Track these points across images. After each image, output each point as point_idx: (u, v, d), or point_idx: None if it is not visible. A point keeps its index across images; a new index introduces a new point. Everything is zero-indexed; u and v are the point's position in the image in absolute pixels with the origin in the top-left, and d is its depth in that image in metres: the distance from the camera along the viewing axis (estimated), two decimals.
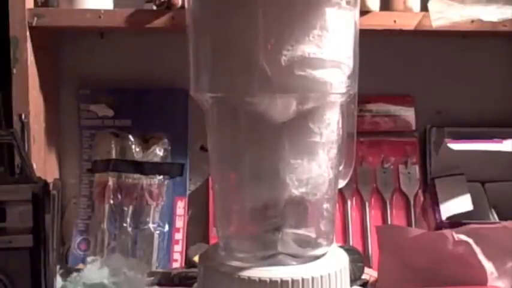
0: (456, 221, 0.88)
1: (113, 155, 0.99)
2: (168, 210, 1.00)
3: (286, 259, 0.54)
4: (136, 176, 0.98)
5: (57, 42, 1.02)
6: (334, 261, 0.55)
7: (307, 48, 0.50)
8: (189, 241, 1.00)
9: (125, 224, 0.97)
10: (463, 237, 0.74)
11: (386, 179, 1.04)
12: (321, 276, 0.52)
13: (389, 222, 1.02)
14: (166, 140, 1.01)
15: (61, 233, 0.99)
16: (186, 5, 0.56)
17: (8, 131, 0.69)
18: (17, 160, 0.85)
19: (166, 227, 0.99)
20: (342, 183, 0.59)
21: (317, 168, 0.54)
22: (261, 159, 0.54)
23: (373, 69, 0.95)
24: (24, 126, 0.88)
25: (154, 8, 0.91)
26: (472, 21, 0.93)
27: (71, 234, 0.99)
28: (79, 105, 1.02)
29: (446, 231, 0.75)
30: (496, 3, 0.93)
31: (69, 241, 0.98)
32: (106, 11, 0.90)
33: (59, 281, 0.85)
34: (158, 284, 0.86)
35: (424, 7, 0.94)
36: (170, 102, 1.02)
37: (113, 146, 0.99)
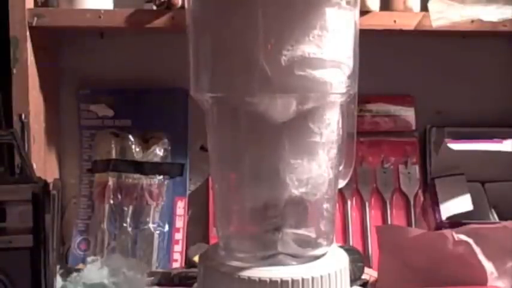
0: (456, 221, 0.88)
1: (113, 155, 0.99)
2: (168, 210, 1.00)
3: (286, 259, 0.54)
4: (136, 176, 0.98)
5: (57, 42, 1.02)
6: (334, 261, 0.55)
7: (307, 48, 0.50)
8: (189, 241, 1.00)
9: (124, 224, 0.97)
10: (463, 237, 0.74)
11: (387, 179, 1.04)
12: (321, 276, 0.52)
13: (389, 222, 1.02)
14: (166, 140, 1.01)
15: (61, 233, 0.99)
16: (186, 5, 0.56)
17: (8, 131, 0.69)
18: (17, 160, 0.85)
19: (166, 227, 0.99)
20: (342, 183, 0.59)
21: (317, 168, 0.54)
22: (261, 159, 0.54)
23: (373, 69, 0.94)
24: (24, 126, 0.88)
25: (154, 8, 0.91)
26: (472, 21, 0.93)
27: (71, 234, 0.99)
28: (79, 105, 1.02)
29: (446, 231, 0.75)
30: (496, 3, 0.93)
31: (69, 241, 0.99)
32: (106, 11, 0.90)
33: (59, 281, 0.85)
34: (158, 284, 0.86)
35: (424, 7, 0.94)
36: (170, 102, 1.02)
37: (113, 146, 0.99)
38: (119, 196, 0.98)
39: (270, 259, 0.54)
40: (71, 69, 1.03)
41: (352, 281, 0.63)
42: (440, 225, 0.92)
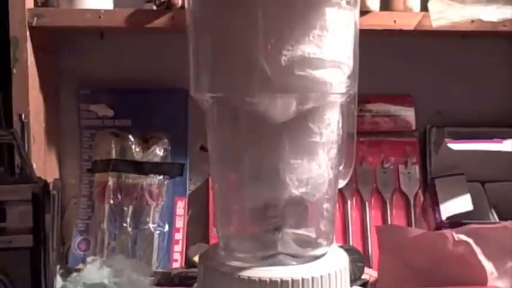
0: (456, 221, 0.88)
1: (113, 155, 0.99)
2: (168, 210, 1.00)
3: (286, 259, 0.54)
4: (136, 176, 0.98)
5: (57, 42, 1.02)
6: (334, 261, 0.55)
7: (307, 48, 0.50)
8: (189, 241, 1.00)
9: (124, 224, 0.97)
10: (463, 237, 0.74)
11: (387, 179, 1.04)
12: (321, 276, 0.52)
13: (389, 222, 1.02)
14: (166, 140, 1.01)
15: (61, 233, 0.99)
16: (186, 5, 0.56)
17: (8, 131, 0.69)
18: (17, 160, 0.85)
19: (166, 227, 0.99)
20: (342, 183, 0.59)
21: (317, 168, 0.54)
22: (261, 159, 0.54)
23: (373, 69, 0.95)
24: (24, 126, 0.88)
25: (154, 8, 0.91)
26: (472, 21, 0.93)
27: (71, 234, 0.99)
28: (79, 105, 1.02)
29: (446, 231, 0.75)
30: (496, 3, 0.93)
31: (69, 241, 0.98)
32: (106, 11, 0.90)
33: (59, 281, 0.85)
34: (158, 284, 0.86)
35: (424, 7, 0.94)
36: (170, 102, 1.02)
37: (113, 146, 0.99)
38: (119, 196, 0.98)
39: (270, 259, 0.54)
40: (71, 69, 1.03)
41: (352, 281, 0.63)
42: (440, 225, 0.92)
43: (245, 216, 0.56)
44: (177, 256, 0.99)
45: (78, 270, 0.88)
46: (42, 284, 0.63)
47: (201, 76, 0.54)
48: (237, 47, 0.51)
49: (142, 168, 0.98)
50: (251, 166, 0.54)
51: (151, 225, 0.98)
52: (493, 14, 0.92)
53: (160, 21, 0.90)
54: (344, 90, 0.54)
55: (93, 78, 1.03)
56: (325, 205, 0.56)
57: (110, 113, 1.02)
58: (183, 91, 0.99)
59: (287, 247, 0.54)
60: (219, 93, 0.53)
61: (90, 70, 1.03)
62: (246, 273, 0.52)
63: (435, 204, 0.96)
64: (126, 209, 0.97)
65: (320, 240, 0.56)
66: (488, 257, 0.73)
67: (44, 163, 0.95)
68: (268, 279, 0.51)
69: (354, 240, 1.01)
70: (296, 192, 0.54)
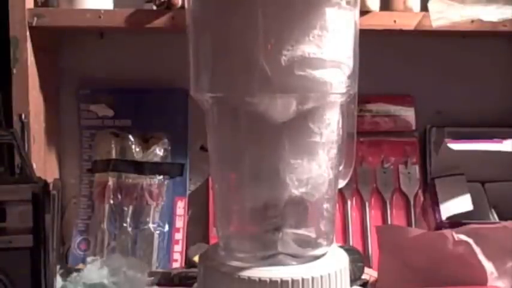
0: (456, 221, 0.88)
1: (113, 155, 0.99)
2: (168, 210, 1.00)
3: (286, 259, 0.54)
4: (136, 176, 0.98)
5: (57, 42, 1.02)
6: (334, 261, 0.55)
7: (307, 48, 0.50)
8: (189, 241, 1.00)
9: (124, 224, 0.97)
10: (463, 237, 0.74)
11: (387, 179, 1.04)
12: (321, 276, 0.52)
13: (389, 222, 1.02)
14: (166, 140, 1.01)
15: (61, 233, 0.99)
16: (186, 5, 0.56)
17: (8, 131, 0.69)
18: (17, 160, 0.85)
19: (166, 227, 0.99)
20: (342, 183, 0.58)
21: (317, 168, 0.54)
22: (261, 159, 0.54)
23: (373, 69, 0.95)
24: (24, 126, 0.88)
25: (154, 8, 0.91)
26: (472, 21, 0.93)
27: (71, 234, 0.99)
28: (79, 105, 1.02)
29: (446, 231, 0.75)
30: (496, 3, 0.93)
31: (69, 241, 0.99)
32: (106, 11, 0.90)
33: (59, 281, 0.85)
34: (158, 284, 0.86)
35: (424, 7, 0.94)
36: (170, 102, 1.02)
37: (113, 146, 0.99)
38: (119, 196, 0.98)
39: (270, 259, 0.54)
40: (71, 69, 1.03)
41: (352, 281, 0.63)
42: (440, 225, 0.92)
43: (245, 216, 0.56)
44: (177, 256, 0.99)
45: (78, 270, 0.88)
46: (42, 284, 0.63)
47: (201, 76, 0.54)
48: (237, 47, 0.51)
49: (142, 168, 0.98)
50: (251, 166, 0.54)
51: (151, 225, 0.98)
52: (493, 14, 0.92)
53: (160, 21, 0.90)
54: (344, 90, 0.54)
55: (93, 78, 1.03)
56: (325, 205, 0.56)
57: (110, 113, 1.02)
58: (183, 91, 0.99)
59: (287, 247, 0.54)
60: (219, 93, 0.53)
61: (90, 70, 1.03)
62: (246, 273, 0.52)
63: (435, 204, 0.96)
64: (126, 209, 0.97)
65: (320, 240, 0.56)
66: (488, 257, 0.73)
67: (44, 163, 0.95)
68: (268, 279, 0.51)
69: (354, 240, 1.01)
70: (296, 192, 0.54)
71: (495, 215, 0.97)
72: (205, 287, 0.55)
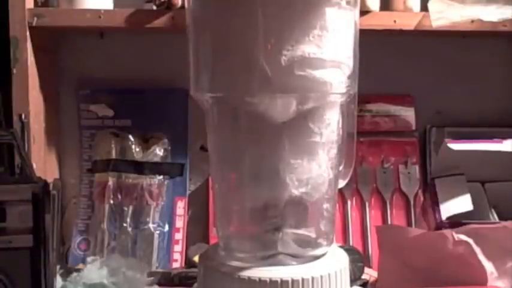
0: (456, 221, 0.88)
1: (113, 155, 0.99)
2: (168, 210, 1.00)
3: (286, 259, 0.54)
4: (136, 176, 0.98)
5: (57, 42, 1.02)
6: (334, 261, 0.55)
7: (307, 48, 0.50)
8: (189, 241, 1.00)
9: (125, 224, 0.97)
10: (463, 237, 0.74)
11: (387, 179, 1.04)
12: (321, 276, 0.52)
13: (389, 222, 1.02)
14: (166, 140, 1.01)
15: (61, 233, 0.99)
16: (186, 5, 0.56)
17: (8, 131, 0.69)
18: (17, 160, 0.85)
19: (166, 227, 0.99)
20: (342, 183, 0.59)
21: (317, 168, 0.54)
22: (261, 159, 0.54)
23: (373, 69, 0.95)
24: (24, 126, 0.88)
25: (154, 8, 0.91)
26: (472, 21, 0.93)
27: (71, 234, 0.99)
28: (79, 105, 1.02)
29: (446, 231, 0.75)
30: (496, 3, 0.93)
31: (69, 241, 0.98)
32: (106, 11, 0.90)
33: (59, 281, 0.85)
34: (158, 284, 0.86)
35: (424, 7, 0.94)
36: (170, 102, 1.02)
37: (113, 146, 0.99)
38: (119, 196, 0.98)
39: (270, 259, 0.54)
40: (71, 69, 1.03)
41: (352, 281, 0.63)
42: (440, 225, 0.92)
43: (245, 216, 0.56)
44: (177, 256, 0.99)
45: (78, 270, 0.88)
46: (42, 284, 0.63)
47: (201, 76, 0.54)
48: (237, 47, 0.51)
49: (142, 168, 0.98)
50: (251, 166, 0.54)
51: (151, 225, 0.98)
52: (493, 14, 0.92)
53: (160, 21, 0.90)
54: (344, 90, 0.54)
55: (93, 78, 1.03)
56: (325, 205, 0.56)
57: (110, 113, 1.02)
58: (183, 91, 0.99)
59: (287, 247, 0.54)
60: (219, 93, 0.53)
61: (90, 70, 1.03)
62: (246, 273, 0.52)
63: (435, 204, 0.96)
64: (126, 209, 0.97)
65: (320, 240, 0.56)
66: (488, 257, 0.73)
67: (44, 163, 0.95)
68: (268, 279, 0.51)
69: (354, 240, 1.01)
70: (296, 192, 0.54)
71: (495, 215, 0.97)
72: (205, 287, 0.55)
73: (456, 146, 0.97)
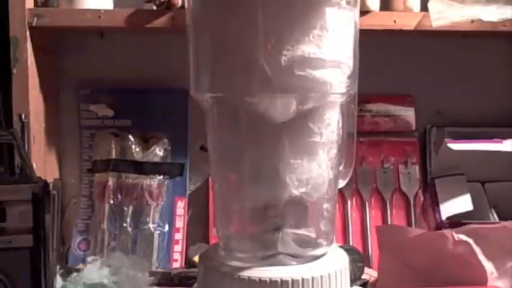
0: (456, 221, 0.88)
1: (113, 155, 0.99)
2: (168, 210, 1.00)
3: (286, 259, 0.54)
4: (136, 176, 0.98)
5: (57, 42, 1.02)
6: (334, 261, 0.55)
7: (307, 48, 0.50)
8: (189, 241, 1.00)
9: (124, 224, 0.97)
10: (463, 237, 0.74)
11: (387, 179, 1.04)
12: (321, 276, 0.52)
13: (389, 222, 1.02)
14: (166, 140, 1.01)
15: (61, 233, 0.99)
16: (186, 5, 0.56)
17: (8, 131, 0.69)
18: (17, 160, 0.85)
19: (166, 227, 0.99)
20: (342, 183, 0.59)
21: (317, 168, 0.54)
22: (261, 159, 0.54)
23: (373, 69, 0.95)
24: (24, 126, 0.88)
25: (154, 8, 0.91)
26: (472, 21, 0.93)
27: (71, 234, 0.99)
28: (79, 105, 1.02)
29: (446, 231, 0.75)
30: (496, 3, 0.93)
31: (69, 241, 0.98)
32: (106, 11, 0.90)
33: (59, 281, 0.85)
34: (158, 284, 0.86)
35: (424, 7, 0.94)
36: (170, 102, 1.02)
37: (113, 146, 0.99)
38: (119, 196, 0.98)
39: (270, 259, 0.54)
40: (71, 69, 1.03)
41: (352, 281, 0.63)
42: (440, 225, 0.92)
43: (245, 216, 0.56)
44: (177, 256, 0.99)
45: (78, 270, 0.88)
46: (42, 284, 0.63)
47: (201, 76, 0.54)
48: (237, 47, 0.51)
49: (142, 168, 0.98)
50: (251, 166, 0.54)
51: (151, 225, 0.98)
52: (493, 14, 0.92)
53: (160, 21, 0.90)
54: (344, 90, 0.54)
55: (93, 78, 1.03)
56: (325, 205, 0.56)
57: (110, 113, 1.02)
58: (183, 91, 0.99)
59: (287, 247, 0.54)
60: (219, 93, 0.53)
61: (90, 70, 1.03)
62: (246, 273, 0.52)
63: (435, 204, 0.96)
64: (126, 209, 0.97)
65: (320, 240, 0.56)
66: (488, 257, 0.73)
67: (44, 163, 0.95)
68: (268, 279, 0.51)
69: (354, 240, 1.01)
70: (296, 192, 0.54)
71: (495, 215, 0.97)
72: (205, 287, 0.55)
73: (456, 146, 0.97)
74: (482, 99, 1.09)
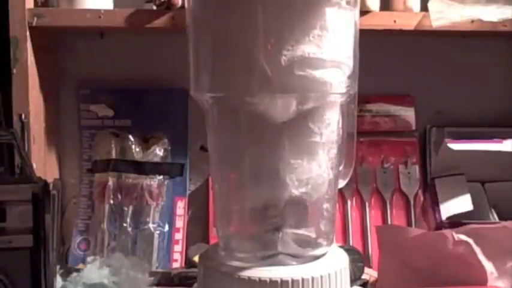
0: (456, 221, 0.88)
1: (113, 155, 0.99)
2: (168, 210, 1.00)
3: (286, 259, 0.54)
4: (136, 176, 0.98)
5: (57, 42, 1.02)
6: (334, 261, 0.55)
7: (307, 48, 0.50)
8: (189, 241, 1.00)
9: (124, 224, 0.97)
10: (463, 237, 0.74)
11: (387, 179, 1.04)
12: (321, 276, 0.52)
13: (389, 222, 1.02)
14: (166, 140, 1.01)
15: (61, 233, 0.99)
16: (186, 5, 0.56)
17: (8, 131, 0.69)
18: (17, 160, 0.85)
19: (166, 227, 0.99)
20: (342, 183, 0.59)
21: (317, 168, 0.54)
22: (261, 159, 0.54)
23: (373, 69, 0.95)
24: (24, 126, 0.88)
25: (154, 8, 0.91)
26: (472, 21, 0.93)
27: (71, 234, 0.99)
28: (79, 105, 1.02)
29: (446, 231, 0.75)
30: (496, 3, 0.93)
31: (69, 241, 0.98)
32: (106, 11, 0.90)
33: (59, 281, 0.85)
34: (158, 284, 0.86)
35: (424, 7, 0.94)
36: (170, 102, 1.02)
37: (113, 146, 0.99)
38: (119, 196, 0.98)
39: (270, 259, 0.54)
40: (71, 69, 1.03)
41: (352, 281, 0.63)
42: (440, 225, 0.92)
43: (245, 216, 0.56)
44: (177, 256, 0.99)
45: (78, 270, 0.88)
46: (42, 284, 0.63)
47: (201, 76, 0.54)
48: (237, 47, 0.51)
49: (142, 168, 0.98)
50: (251, 166, 0.54)
51: (151, 225, 0.98)
52: (493, 14, 0.92)
53: (160, 21, 0.90)
54: (344, 90, 0.54)
55: (93, 78, 1.03)
56: (325, 205, 0.56)
57: (110, 113, 1.02)
58: (183, 91, 0.99)
59: (287, 247, 0.54)
60: (219, 93, 0.53)
61: (90, 70, 1.03)
62: (246, 273, 0.52)
63: (435, 204, 0.96)
64: (126, 209, 0.97)
65: (320, 240, 0.56)
66: (488, 257, 0.73)
67: (44, 163, 0.95)
68: (268, 279, 0.51)
69: (354, 240, 1.01)
70: (296, 192, 0.54)
71: (495, 215, 0.97)
72: (205, 287, 0.55)
73: (456, 146, 0.97)
74: (482, 99, 1.09)
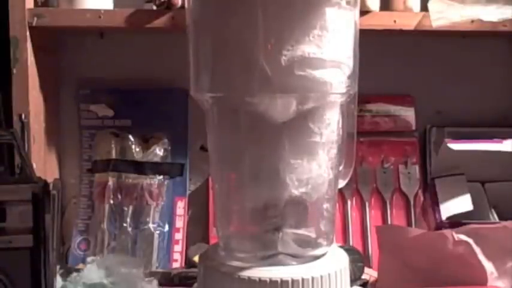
0: (456, 221, 0.88)
1: (113, 155, 0.99)
2: (168, 210, 1.00)
3: (286, 259, 0.54)
4: (136, 176, 0.98)
5: (57, 42, 1.02)
6: (334, 261, 0.55)
7: (307, 48, 0.50)
8: (189, 241, 1.00)
9: (124, 224, 0.97)
10: (463, 237, 0.74)
11: (387, 179, 1.04)
12: (321, 276, 0.52)
13: (389, 222, 1.02)
14: (166, 140, 1.01)
15: (61, 233, 0.99)
16: (186, 5, 0.56)
17: (8, 131, 0.69)
18: (17, 160, 0.85)
19: (166, 227, 0.99)
20: (342, 183, 0.59)
21: (317, 168, 0.54)
22: (261, 159, 0.54)
23: (373, 69, 0.94)
24: (24, 126, 0.88)
25: (154, 8, 0.91)
26: (472, 21, 0.93)
27: (71, 234, 0.99)
28: (79, 105, 1.02)
29: (446, 231, 0.75)
30: (496, 3, 0.93)
31: (69, 241, 0.98)
32: (106, 11, 0.90)
33: (59, 281, 0.85)
34: (158, 284, 0.86)
35: (424, 7, 0.94)
36: (170, 102, 1.02)
37: (113, 146, 0.99)
38: (119, 196, 0.98)
39: (270, 259, 0.54)
40: (71, 69, 1.03)
41: (352, 281, 0.63)
42: (440, 225, 0.92)
43: (245, 216, 0.56)
44: (177, 256, 0.99)
45: (78, 270, 0.88)
46: (42, 284, 0.63)
47: (201, 76, 0.54)
48: (237, 47, 0.51)
49: (142, 168, 0.98)
50: (251, 166, 0.54)
51: (151, 225, 0.98)
52: (493, 14, 0.92)
53: (160, 21, 0.90)
54: (344, 90, 0.54)
55: (93, 78, 1.03)
56: (325, 205, 0.56)
57: (110, 113, 1.02)
58: (183, 91, 0.99)
59: (287, 247, 0.54)
60: (219, 93, 0.53)
61: (90, 70, 1.03)
62: (246, 273, 0.52)
63: (435, 204, 0.96)
64: (126, 209, 0.97)
65: (320, 240, 0.56)
66: (488, 257, 0.73)
67: (44, 163, 0.95)
68: (268, 279, 0.51)
69: (354, 240, 1.01)
70: (296, 192, 0.54)
71: (495, 215, 0.97)
72: (205, 287, 0.55)
73: (456, 146, 0.97)
74: (482, 99, 1.09)
